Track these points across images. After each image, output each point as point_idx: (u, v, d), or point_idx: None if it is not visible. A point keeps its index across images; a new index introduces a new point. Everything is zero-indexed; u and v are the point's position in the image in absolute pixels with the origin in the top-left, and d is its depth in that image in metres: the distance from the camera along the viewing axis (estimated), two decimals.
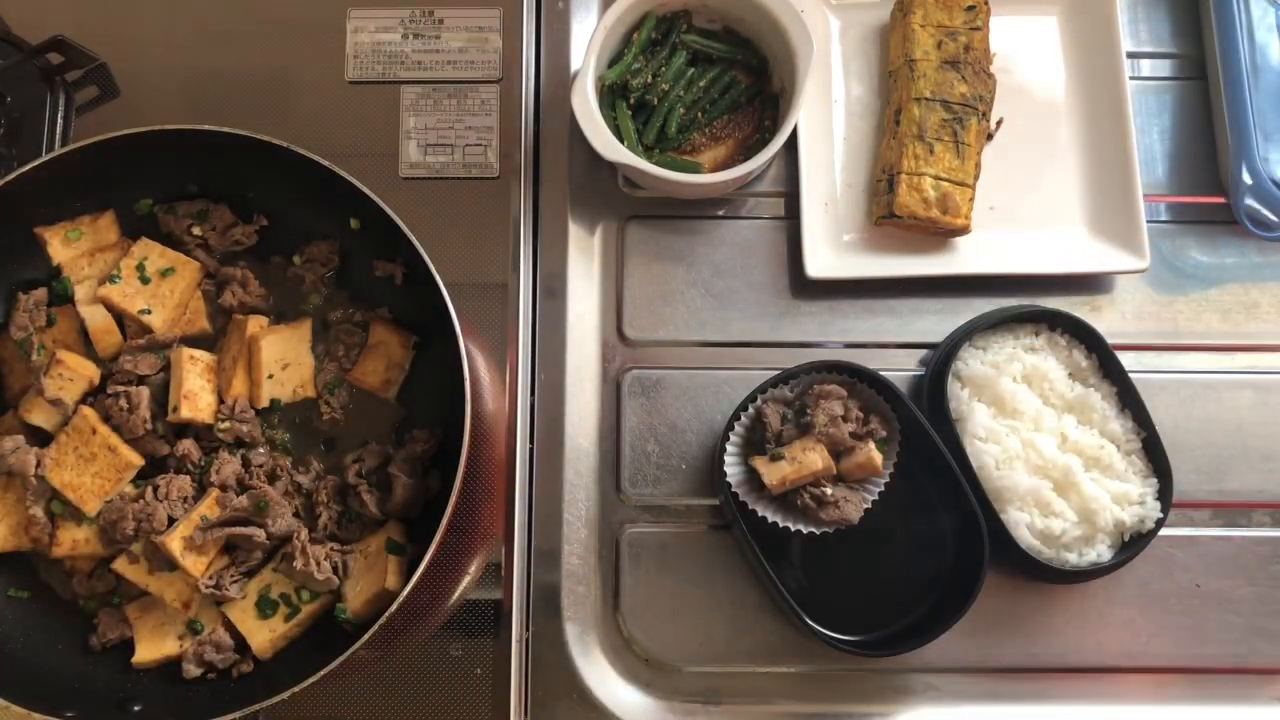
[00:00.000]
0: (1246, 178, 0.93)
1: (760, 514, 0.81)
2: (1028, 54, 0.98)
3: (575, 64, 0.98)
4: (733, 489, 0.82)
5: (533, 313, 0.91)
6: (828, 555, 0.81)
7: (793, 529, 0.81)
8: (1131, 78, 0.96)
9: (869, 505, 0.81)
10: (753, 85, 0.94)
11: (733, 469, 0.83)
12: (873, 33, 0.98)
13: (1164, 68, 1.01)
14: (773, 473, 0.80)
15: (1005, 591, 0.85)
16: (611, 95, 0.91)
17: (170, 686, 0.76)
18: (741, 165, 0.83)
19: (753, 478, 0.82)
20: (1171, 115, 0.99)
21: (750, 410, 0.84)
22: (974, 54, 0.92)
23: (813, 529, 0.81)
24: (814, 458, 0.79)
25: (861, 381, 0.83)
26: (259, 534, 0.75)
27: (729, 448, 0.83)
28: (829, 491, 0.80)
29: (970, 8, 0.93)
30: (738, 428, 0.84)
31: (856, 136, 0.96)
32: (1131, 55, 0.98)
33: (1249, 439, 0.90)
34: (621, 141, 0.87)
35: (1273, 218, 0.93)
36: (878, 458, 0.81)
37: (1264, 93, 0.94)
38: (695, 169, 0.88)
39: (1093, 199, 0.94)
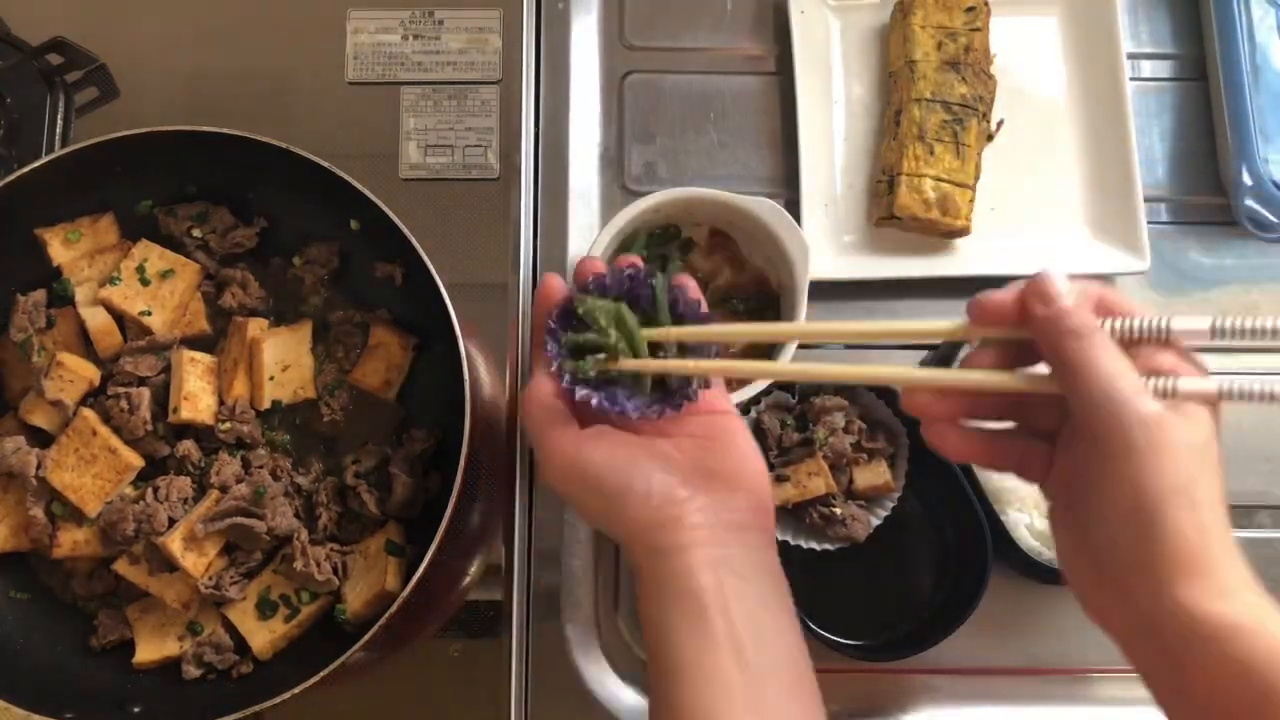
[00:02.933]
0: (1246, 179, 0.93)
1: None
2: (1028, 55, 0.98)
3: (575, 64, 0.98)
4: None
5: (533, 313, 0.91)
6: (830, 559, 0.81)
7: (792, 543, 0.81)
8: (1132, 79, 0.95)
9: (877, 523, 0.82)
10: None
11: None
12: (873, 34, 0.98)
13: (1164, 69, 1.01)
14: (776, 494, 0.80)
15: (1005, 593, 0.85)
16: None
17: (170, 687, 0.76)
18: (750, 386, 0.81)
19: None
20: (1172, 116, 0.99)
21: (751, 415, 0.84)
22: (974, 55, 0.92)
23: (814, 544, 0.81)
24: (818, 483, 0.80)
25: (860, 385, 0.83)
26: (259, 525, 0.75)
27: None
28: (838, 511, 0.80)
29: (970, 9, 0.93)
30: None
31: (856, 138, 0.96)
32: (1132, 56, 0.98)
33: (1249, 441, 0.90)
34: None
35: (1273, 219, 0.93)
36: (889, 476, 0.81)
37: (1264, 94, 0.94)
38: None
39: (1093, 200, 0.94)
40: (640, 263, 0.63)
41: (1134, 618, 0.49)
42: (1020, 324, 0.51)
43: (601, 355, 0.61)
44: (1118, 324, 0.49)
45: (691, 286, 0.63)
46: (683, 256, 0.89)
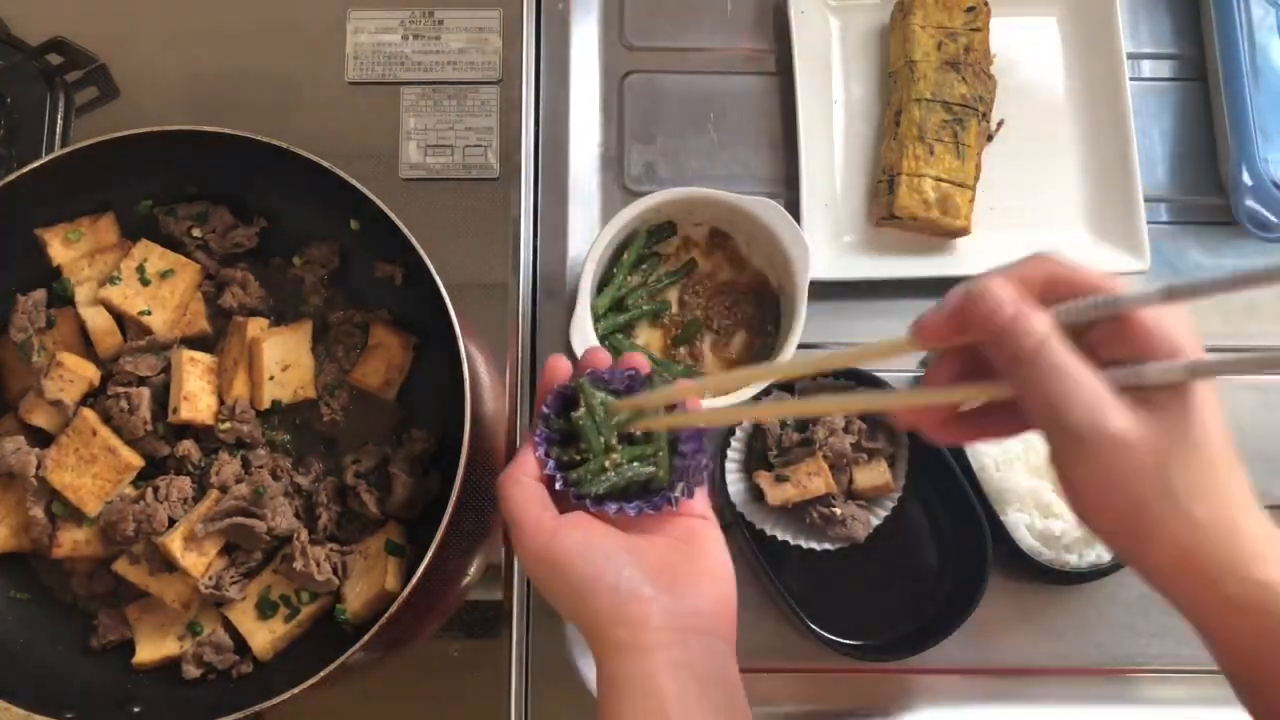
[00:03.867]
0: (1246, 178, 0.93)
1: (768, 532, 0.81)
2: (1028, 55, 0.98)
3: (575, 64, 0.98)
4: (737, 508, 0.82)
5: (533, 313, 0.91)
6: (829, 558, 0.81)
7: (792, 543, 0.81)
8: (1132, 79, 0.96)
9: (877, 523, 0.82)
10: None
11: (734, 480, 0.83)
12: (873, 34, 0.98)
13: (1164, 69, 1.01)
14: (776, 493, 0.80)
15: (1005, 593, 0.85)
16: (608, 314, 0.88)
17: (170, 687, 0.76)
18: (752, 385, 0.82)
19: (755, 487, 0.82)
20: (1172, 116, 0.99)
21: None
22: (974, 55, 0.92)
23: (814, 544, 0.81)
24: (818, 483, 0.80)
25: (861, 384, 0.83)
26: (259, 525, 0.75)
27: (730, 455, 0.83)
28: (838, 511, 0.80)
29: (970, 9, 0.93)
30: (739, 432, 0.84)
31: (856, 138, 0.96)
32: (1132, 56, 0.98)
33: (1250, 441, 0.90)
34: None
35: (1273, 218, 0.93)
36: (889, 476, 0.81)
37: (1264, 94, 0.94)
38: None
39: (1093, 200, 0.94)
40: (645, 366, 0.64)
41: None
42: (964, 335, 0.49)
43: (588, 450, 0.62)
44: (1066, 310, 0.47)
45: (691, 402, 0.64)
46: (686, 275, 0.89)
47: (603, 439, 0.62)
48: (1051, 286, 0.48)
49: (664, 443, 0.63)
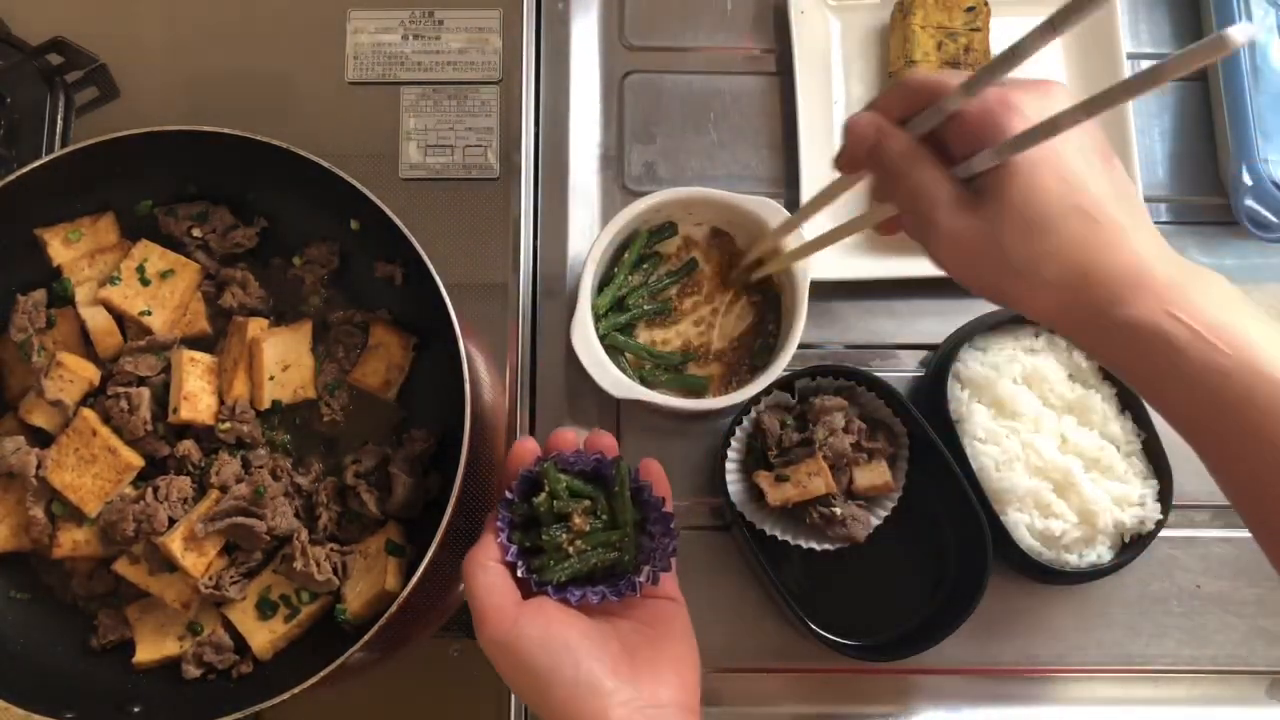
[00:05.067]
0: (1246, 178, 0.93)
1: (768, 532, 0.81)
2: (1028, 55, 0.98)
3: (575, 64, 0.98)
4: (737, 508, 0.81)
5: (533, 313, 0.91)
6: (829, 558, 0.81)
7: (792, 543, 0.81)
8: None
9: (877, 523, 0.82)
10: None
11: (734, 480, 0.83)
12: (873, 34, 0.98)
13: None
14: (776, 493, 0.80)
15: (1005, 593, 0.85)
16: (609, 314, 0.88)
17: (170, 687, 0.76)
18: (749, 386, 0.82)
19: (755, 487, 0.82)
20: (1171, 116, 0.99)
21: (751, 414, 0.84)
22: (974, 55, 0.92)
23: (814, 544, 0.81)
24: (818, 483, 0.79)
25: (860, 385, 0.83)
26: (259, 525, 0.75)
27: (730, 455, 0.83)
28: (838, 511, 0.80)
29: (970, 9, 0.93)
30: (739, 432, 0.84)
31: None
32: (1131, 56, 0.98)
33: None
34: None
35: (1273, 219, 0.93)
36: (889, 477, 0.81)
37: (1264, 94, 0.94)
38: (702, 383, 0.87)
39: None
40: (613, 449, 0.66)
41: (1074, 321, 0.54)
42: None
43: (549, 538, 0.63)
44: (920, 121, 0.54)
45: (659, 482, 0.65)
46: (686, 275, 0.89)
47: (562, 529, 0.62)
48: (912, 101, 0.54)
49: (630, 526, 0.63)
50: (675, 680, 0.59)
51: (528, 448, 0.65)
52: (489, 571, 0.61)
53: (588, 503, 0.64)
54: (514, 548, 0.62)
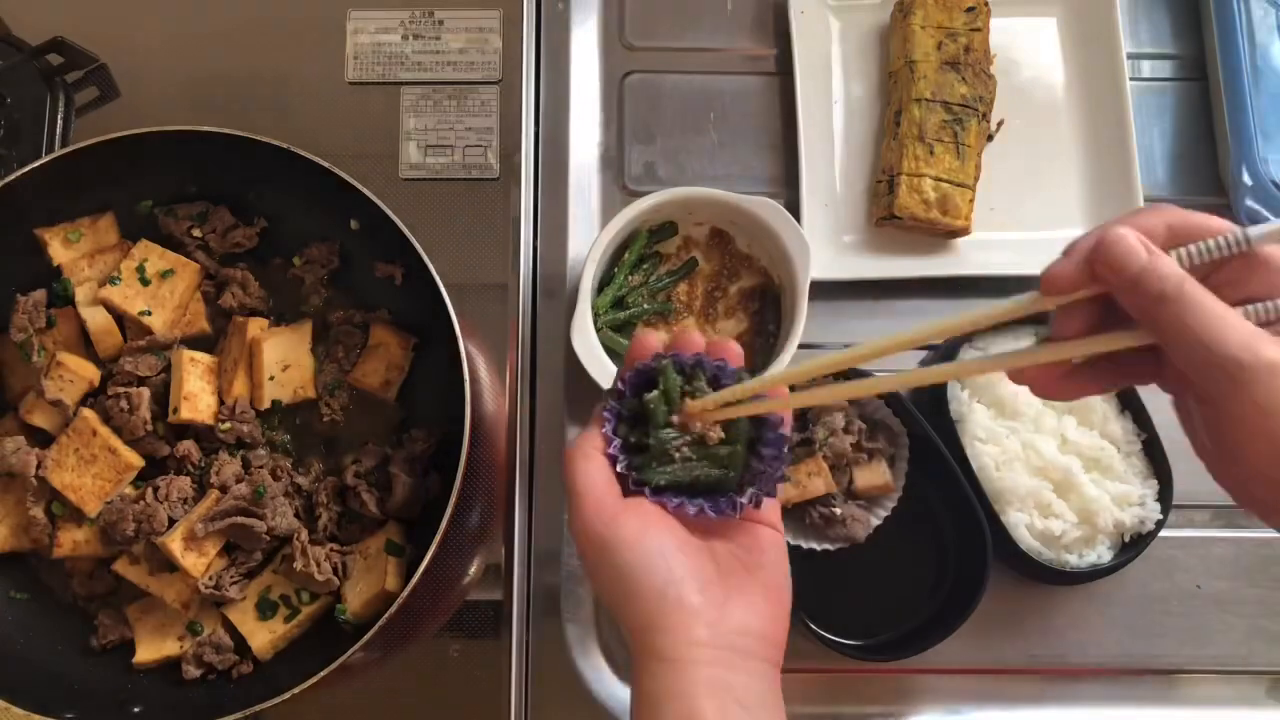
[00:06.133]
0: (1246, 178, 0.93)
1: None
2: (1028, 55, 0.98)
3: (575, 64, 0.98)
4: None
5: (533, 313, 0.91)
6: (829, 559, 0.81)
7: (792, 543, 0.81)
8: (1132, 79, 0.95)
9: (877, 523, 0.81)
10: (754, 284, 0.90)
11: None
12: (873, 34, 0.98)
13: (1164, 69, 1.01)
14: None
15: (1005, 593, 0.85)
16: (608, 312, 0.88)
17: (170, 687, 0.76)
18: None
19: None
20: (1172, 116, 0.99)
21: None
22: (974, 55, 0.92)
23: (813, 545, 0.81)
24: (818, 483, 0.79)
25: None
26: (259, 525, 0.75)
27: None
28: (838, 511, 0.80)
29: (970, 9, 0.93)
30: None
31: (856, 138, 0.96)
32: (1132, 56, 0.98)
33: None
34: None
35: (1273, 219, 0.93)
36: (889, 477, 0.81)
37: (1264, 94, 0.94)
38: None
39: (1093, 200, 0.94)
40: (738, 358, 0.60)
41: None
42: (1095, 284, 0.47)
43: (655, 436, 0.58)
44: (1193, 251, 0.46)
45: (777, 391, 0.59)
46: (686, 275, 0.89)
47: (672, 429, 0.58)
48: (1173, 235, 0.47)
49: (741, 443, 0.59)
50: (766, 611, 0.56)
51: (649, 341, 0.60)
52: (591, 460, 0.57)
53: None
54: (618, 440, 0.58)
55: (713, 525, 0.58)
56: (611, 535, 0.55)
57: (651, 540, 0.55)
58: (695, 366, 0.59)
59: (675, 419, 0.58)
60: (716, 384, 0.59)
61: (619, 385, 0.60)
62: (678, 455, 0.58)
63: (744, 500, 0.57)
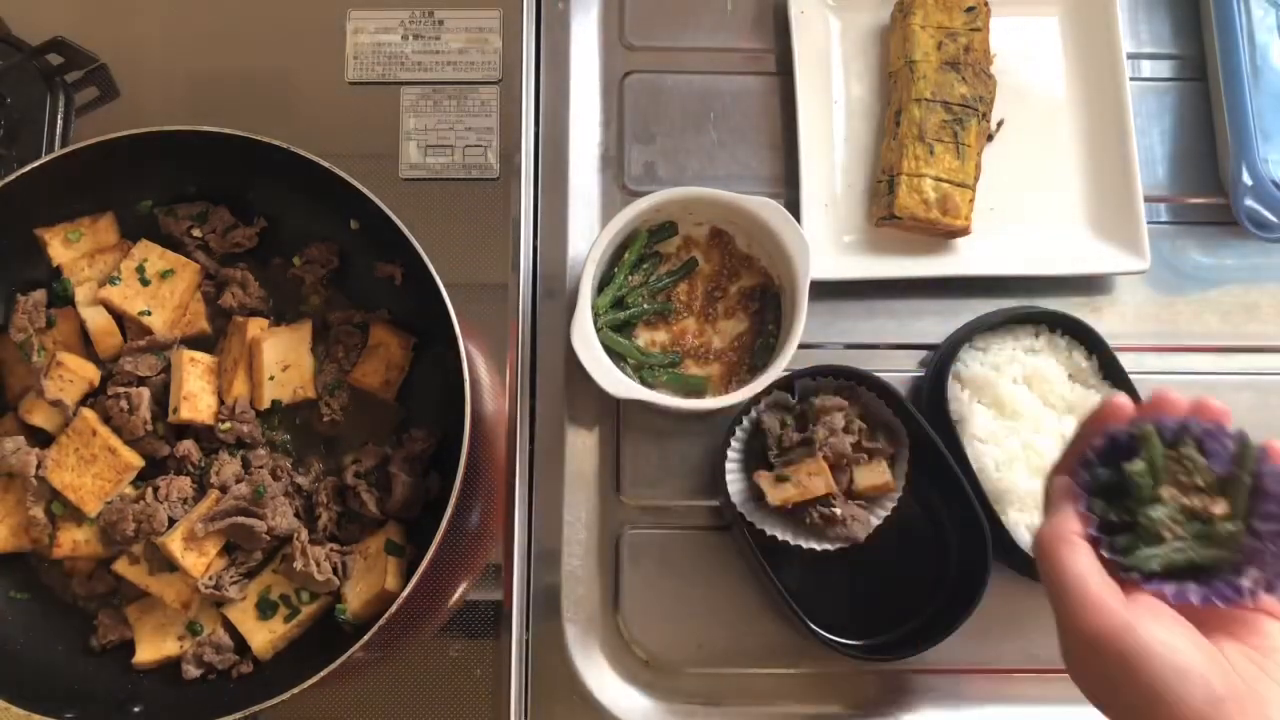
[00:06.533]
0: (1246, 178, 0.93)
1: (768, 532, 0.81)
2: (1028, 55, 0.98)
3: (575, 64, 0.98)
4: (737, 508, 0.81)
5: (533, 313, 0.91)
6: (829, 558, 0.81)
7: (792, 543, 0.81)
8: (1132, 79, 0.95)
9: (877, 523, 0.81)
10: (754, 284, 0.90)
11: (734, 480, 0.83)
12: (873, 34, 0.98)
13: (1164, 69, 1.01)
14: (776, 493, 0.80)
15: (1005, 593, 0.85)
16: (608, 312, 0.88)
17: (170, 687, 0.76)
18: (749, 385, 0.81)
19: (755, 487, 0.82)
20: (1172, 116, 0.99)
21: (752, 414, 0.84)
22: (974, 55, 0.92)
23: (814, 545, 0.81)
24: (818, 483, 0.79)
25: (860, 385, 0.83)
26: (259, 525, 0.75)
27: (730, 455, 0.83)
28: (838, 511, 0.80)
29: (970, 9, 0.93)
30: (739, 432, 0.84)
31: (856, 138, 0.96)
32: (1132, 56, 0.98)
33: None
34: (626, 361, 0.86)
35: (1273, 219, 0.93)
36: (889, 476, 0.81)
37: (1264, 94, 0.94)
38: (700, 384, 0.87)
39: (1093, 200, 0.94)
40: (1227, 417, 0.55)
41: None
42: None
43: (1142, 513, 0.52)
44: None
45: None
46: (686, 275, 0.89)
47: (1162, 505, 0.51)
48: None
49: (1243, 517, 0.52)
50: None
51: (1123, 406, 0.54)
52: (1076, 548, 0.51)
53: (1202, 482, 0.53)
54: (1096, 519, 0.53)
55: (1211, 619, 0.51)
56: (1133, 644, 0.48)
57: (1182, 650, 0.48)
58: (1180, 431, 0.54)
59: (1164, 493, 0.52)
60: (1202, 449, 0.53)
61: (1090, 455, 0.54)
62: (1168, 535, 0.52)
63: (1248, 585, 0.51)
